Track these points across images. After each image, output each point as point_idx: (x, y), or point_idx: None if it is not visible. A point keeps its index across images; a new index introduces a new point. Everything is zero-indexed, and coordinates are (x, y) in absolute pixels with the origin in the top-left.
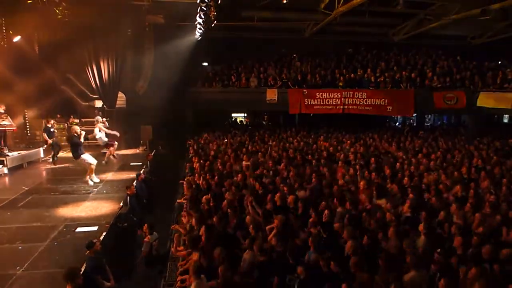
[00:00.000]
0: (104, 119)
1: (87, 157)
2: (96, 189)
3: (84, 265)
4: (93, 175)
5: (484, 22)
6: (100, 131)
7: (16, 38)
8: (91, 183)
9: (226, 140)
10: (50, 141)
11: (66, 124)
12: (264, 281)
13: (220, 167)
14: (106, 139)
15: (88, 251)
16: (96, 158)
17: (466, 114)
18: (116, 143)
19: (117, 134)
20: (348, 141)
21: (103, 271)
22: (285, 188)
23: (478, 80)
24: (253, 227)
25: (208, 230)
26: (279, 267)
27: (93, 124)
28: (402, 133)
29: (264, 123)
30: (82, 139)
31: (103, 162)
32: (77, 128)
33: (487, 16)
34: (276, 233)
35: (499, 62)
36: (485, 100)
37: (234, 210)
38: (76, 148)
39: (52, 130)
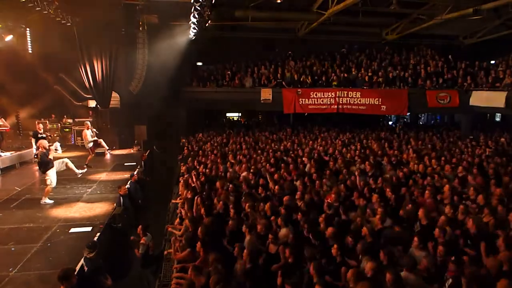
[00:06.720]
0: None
1: (51, 174)
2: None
3: (79, 265)
4: (47, 198)
5: (476, 21)
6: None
7: (8, 38)
8: (48, 201)
9: (223, 140)
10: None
11: (59, 124)
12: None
13: (213, 168)
14: (91, 144)
15: (88, 252)
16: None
17: (459, 113)
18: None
19: (101, 143)
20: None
21: (102, 272)
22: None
23: (470, 80)
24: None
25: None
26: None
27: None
28: (396, 132)
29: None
30: (51, 155)
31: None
32: (45, 143)
33: (479, 15)
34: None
35: (491, 62)
36: (477, 99)
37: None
38: (45, 163)
39: (39, 136)
